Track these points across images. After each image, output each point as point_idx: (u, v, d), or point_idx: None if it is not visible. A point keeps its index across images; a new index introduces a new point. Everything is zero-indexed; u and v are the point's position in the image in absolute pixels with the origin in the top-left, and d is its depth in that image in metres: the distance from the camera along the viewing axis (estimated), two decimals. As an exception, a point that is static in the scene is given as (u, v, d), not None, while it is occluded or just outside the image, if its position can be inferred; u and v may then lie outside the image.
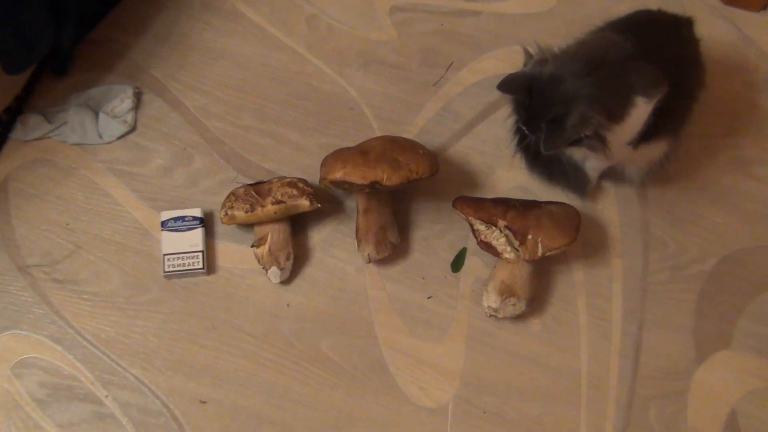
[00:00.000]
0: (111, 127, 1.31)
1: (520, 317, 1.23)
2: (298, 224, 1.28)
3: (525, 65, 1.14)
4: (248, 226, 1.26)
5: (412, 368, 1.20)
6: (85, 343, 1.20)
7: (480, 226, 1.21)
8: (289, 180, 1.24)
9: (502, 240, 1.20)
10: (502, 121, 1.33)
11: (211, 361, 1.19)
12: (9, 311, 1.21)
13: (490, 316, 1.21)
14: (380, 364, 1.20)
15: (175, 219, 1.24)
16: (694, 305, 1.23)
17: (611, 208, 1.30)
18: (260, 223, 1.23)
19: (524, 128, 1.14)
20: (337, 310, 1.24)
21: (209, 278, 1.25)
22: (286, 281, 1.25)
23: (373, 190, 1.19)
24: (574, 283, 1.26)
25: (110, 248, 1.25)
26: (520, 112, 1.16)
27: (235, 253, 1.27)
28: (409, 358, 1.21)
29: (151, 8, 1.40)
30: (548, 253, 1.17)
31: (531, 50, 1.14)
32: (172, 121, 1.34)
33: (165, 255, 1.23)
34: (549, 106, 1.08)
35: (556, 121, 1.08)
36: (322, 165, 1.22)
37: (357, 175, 1.16)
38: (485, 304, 1.21)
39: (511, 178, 1.32)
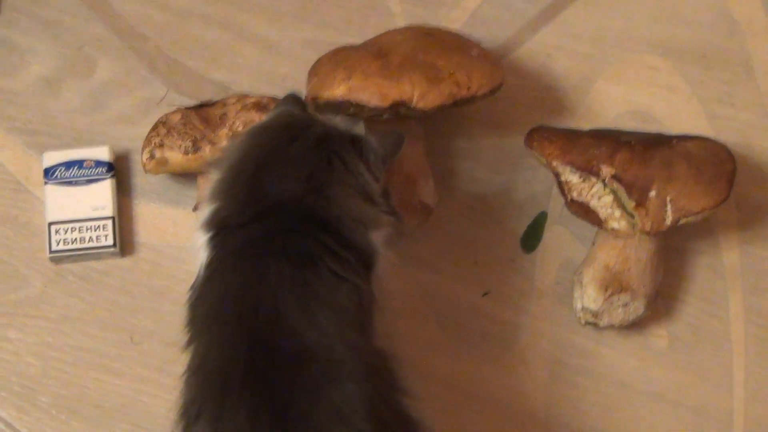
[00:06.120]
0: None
1: (635, 326, 1.23)
2: (270, 173, 1.27)
3: None
4: (189, 176, 1.26)
5: (458, 408, 1.21)
6: None
7: (571, 177, 1.21)
8: (255, 100, 1.24)
9: (608, 199, 1.19)
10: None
11: (130, 398, 1.20)
12: None
13: (587, 323, 1.22)
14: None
15: (68, 164, 1.25)
16: None
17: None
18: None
19: None
20: (336, 315, 1.23)
21: (124, 262, 1.25)
22: (251, 267, 1.24)
23: (397, 116, 1.18)
24: (725, 272, 1.27)
25: (-40, 213, 1.27)
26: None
27: (167, 221, 1.27)
28: (454, 392, 1.22)
29: None
30: (683, 221, 1.17)
31: None
32: (59, 2, 1.34)
33: (51, 224, 1.24)
34: None
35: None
36: (312, 75, 1.22)
37: (370, 92, 1.16)
38: (578, 304, 1.22)
39: (623, 96, 1.32)
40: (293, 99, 1.14)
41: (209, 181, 1.20)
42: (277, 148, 1.05)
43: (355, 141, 1.07)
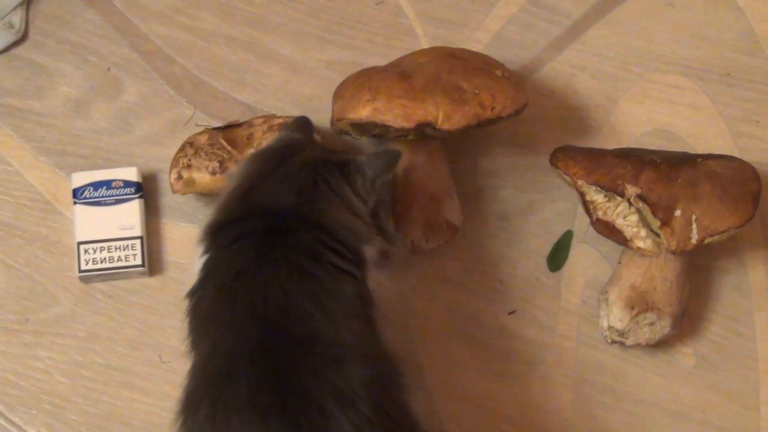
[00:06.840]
0: (-12, 34, 1.33)
1: (661, 345, 1.23)
2: (296, 193, 1.28)
3: None
4: (216, 196, 1.22)
5: (484, 427, 1.20)
6: (-49, 387, 1.21)
7: (596, 196, 1.21)
8: (281, 121, 1.25)
9: (633, 218, 1.19)
10: (630, 20, 1.36)
11: (158, 417, 1.20)
12: None
13: (613, 342, 1.22)
14: (431, 420, 1.19)
15: (96, 185, 1.25)
16: None
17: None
18: (236, 191, 1.22)
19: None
20: (362, 334, 1.23)
21: (153, 281, 1.26)
22: (278, 286, 1.24)
23: (422, 137, 1.19)
24: (750, 290, 1.27)
25: (-10, 233, 1.26)
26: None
27: (195, 240, 1.22)
28: (479, 410, 1.21)
29: None
30: (709, 240, 1.17)
31: None
32: (86, 24, 1.35)
33: (80, 244, 1.24)
34: None
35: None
36: (337, 96, 1.22)
37: (395, 113, 1.16)
38: (605, 323, 1.22)
39: (647, 115, 1.32)
40: (299, 123, 1.16)
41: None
42: (266, 172, 1.07)
43: (342, 165, 1.08)
